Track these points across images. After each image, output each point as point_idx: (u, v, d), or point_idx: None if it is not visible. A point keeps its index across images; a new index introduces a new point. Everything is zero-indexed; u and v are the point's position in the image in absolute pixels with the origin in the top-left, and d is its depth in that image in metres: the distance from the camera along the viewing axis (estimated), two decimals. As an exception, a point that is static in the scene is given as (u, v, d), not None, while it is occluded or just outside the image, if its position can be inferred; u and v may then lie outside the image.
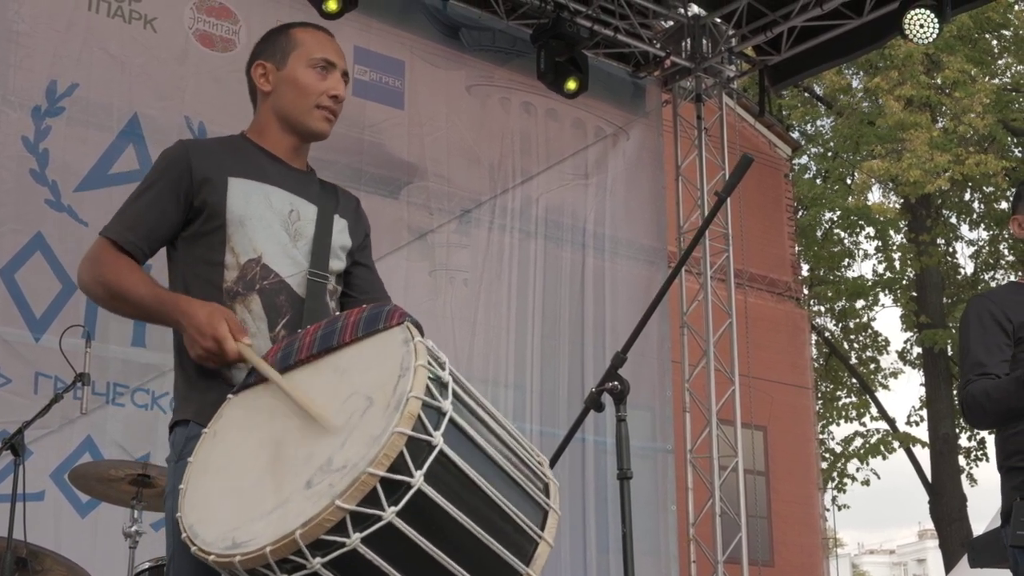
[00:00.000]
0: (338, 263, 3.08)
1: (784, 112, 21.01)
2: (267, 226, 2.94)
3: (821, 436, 21.54)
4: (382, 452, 2.17)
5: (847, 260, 22.22)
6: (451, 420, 2.31)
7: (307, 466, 2.28)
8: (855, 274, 22.23)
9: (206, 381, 2.81)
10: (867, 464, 21.78)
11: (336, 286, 3.08)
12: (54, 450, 6.62)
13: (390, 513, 2.18)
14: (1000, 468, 3.89)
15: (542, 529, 2.47)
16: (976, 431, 20.02)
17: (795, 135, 20.56)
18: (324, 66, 3.09)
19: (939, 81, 18.98)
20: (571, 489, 8.80)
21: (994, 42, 20.57)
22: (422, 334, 2.46)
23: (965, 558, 11.17)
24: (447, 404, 2.32)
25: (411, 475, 2.20)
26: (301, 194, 3.04)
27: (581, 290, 9.42)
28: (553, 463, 3.82)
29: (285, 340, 2.73)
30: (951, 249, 22.03)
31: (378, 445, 2.18)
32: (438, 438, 2.25)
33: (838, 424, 22.45)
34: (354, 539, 2.17)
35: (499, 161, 9.10)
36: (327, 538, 2.18)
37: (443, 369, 2.40)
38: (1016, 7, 19.87)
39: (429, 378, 2.31)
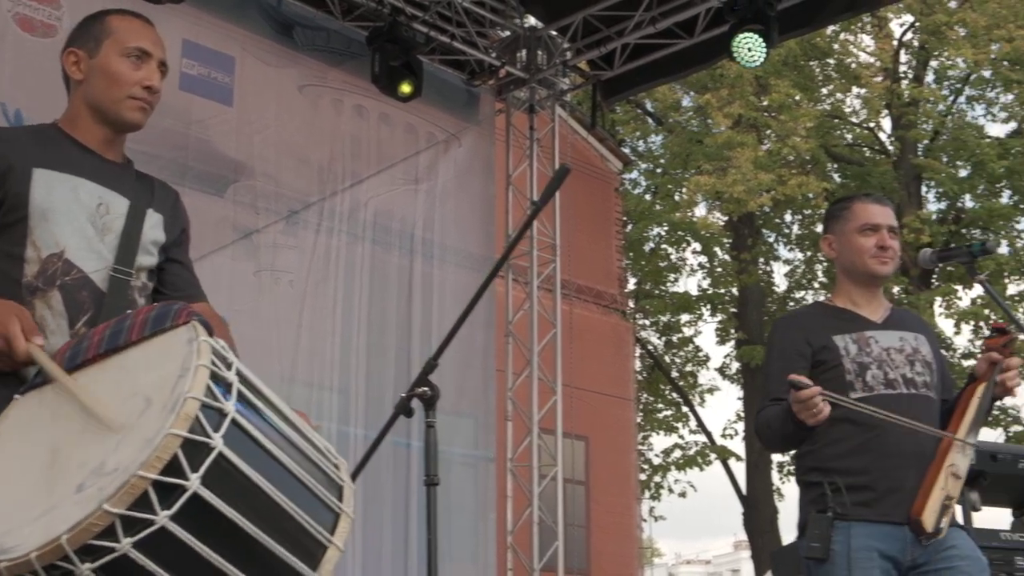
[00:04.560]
0: (148, 259, 3.00)
1: (617, 127, 21.37)
2: (72, 220, 2.86)
3: (641, 447, 21.95)
4: (154, 454, 2.11)
5: (673, 275, 22.73)
6: (234, 422, 2.26)
7: (80, 470, 2.21)
8: (680, 289, 22.77)
9: None
10: (685, 474, 22.31)
11: (147, 282, 3.01)
12: None
13: (163, 517, 2.12)
14: (799, 483, 4.03)
15: (332, 533, 2.43)
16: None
17: (626, 150, 20.93)
18: (139, 55, 3.02)
19: (766, 103, 19.57)
20: (395, 495, 8.75)
21: (818, 70, 21.31)
22: (210, 334, 2.41)
23: (773, 569, 11.48)
24: (230, 405, 2.27)
25: (186, 478, 2.14)
26: (112, 187, 2.97)
27: (409, 296, 9.36)
28: (359, 469, 3.82)
29: (75, 339, 2.65)
30: (769, 268, 22.75)
31: (150, 447, 2.12)
32: (217, 440, 2.20)
33: (658, 435, 22.93)
34: (124, 544, 2.11)
35: (329, 163, 8.99)
36: (96, 543, 2.10)
37: (229, 370, 2.35)
38: (841, 36, 20.62)
39: (212, 379, 2.26)
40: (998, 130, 43.83)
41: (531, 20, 10.08)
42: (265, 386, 2.51)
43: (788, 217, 22.21)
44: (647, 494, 22.50)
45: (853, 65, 20.96)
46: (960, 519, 3.97)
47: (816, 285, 22.33)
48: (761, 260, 22.02)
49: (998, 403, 4.15)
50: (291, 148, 8.75)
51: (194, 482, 2.15)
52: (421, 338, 9.27)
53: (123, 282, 2.90)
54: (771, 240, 22.54)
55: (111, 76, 3.00)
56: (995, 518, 6.67)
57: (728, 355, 22.57)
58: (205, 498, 2.17)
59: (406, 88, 8.89)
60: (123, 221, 2.95)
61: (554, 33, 9.93)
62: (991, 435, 19.61)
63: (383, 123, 9.41)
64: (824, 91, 21.32)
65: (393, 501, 8.73)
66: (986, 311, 18.65)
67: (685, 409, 22.99)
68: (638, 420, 20.87)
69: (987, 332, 4.17)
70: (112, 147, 3.05)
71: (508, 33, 10.07)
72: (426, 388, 3.46)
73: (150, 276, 3.03)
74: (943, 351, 19.09)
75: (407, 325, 9.27)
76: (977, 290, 17.86)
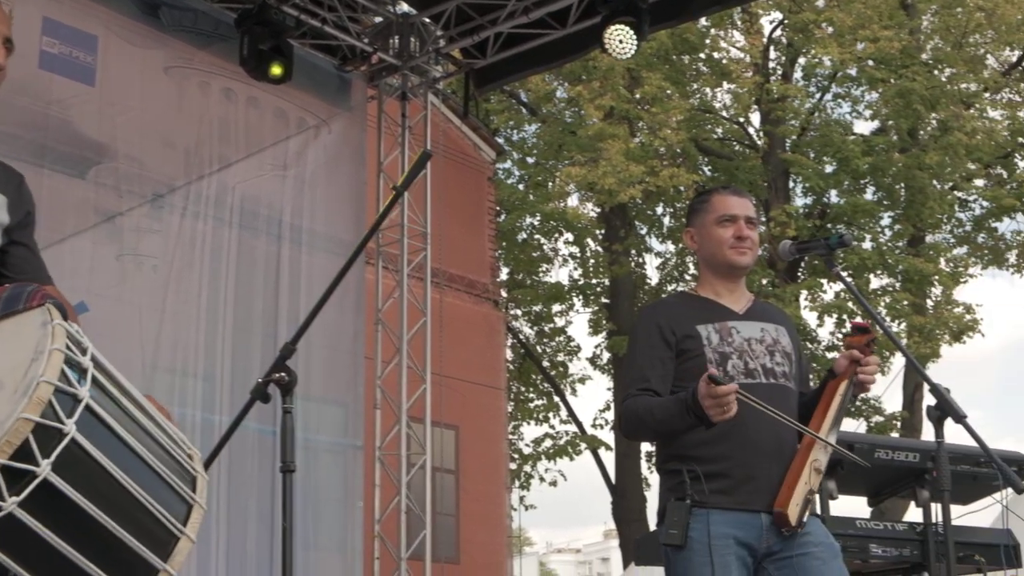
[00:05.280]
0: None
1: (491, 117, 21.39)
2: None
3: (512, 437, 22.05)
4: (4, 439, 2.06)
5: (545, 265, 22.85)
6: (87, 408, 2.21)
7: None
8: (553, 279, 22.89)
9: None
10: (556, 464, 22.46)
11: None
12: None
13: (11, 503, 2.07)
14: (659, 471, 4.07)
15: (184, 524, 2.40)
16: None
17: (500, 140, 20.98)
18: None
19: (638, 96, 19.76)
20: (260, 484, 8.63)
21: (689, 63, 21.60)
22: (65, 317, 2.34)
23: (639, 556, 11.63)
24: (84, 391, 2.21)
25: (37, 464, 2.10)
26: None
27: (276, 282, 9.23)
28: (215, 455, 3.76)
29: None
30: (641, 260, 23.00)
31: (0, 431, 2.07)
32: (70, 426, 2.15)
33: (529, 424, 23.04)
34: None
35: (196, 147, 8.80)
36: None
37: (84, 354, 2.29)
38: (712, 31, 20.93)
39: (66, 363, 2.20)
40: (863, 127, 44.91)
41: (404, 6, 10.02)
42: (119, 373, 2.46)
43: (660, 209, 22.48)
44: (517, 483, 22.60)
45: (724, 60, 21.30)
46: (817, 507, 4.04)
47: (688, 277, 22.63)
48: (633, 251, 22.26)
49: (861, 395, 4.23)
50: (156, 130, 8.55)
51: (44, 468, 2.11)
52: (288, 325, 9.14)
53: None
54: (643, 232, 22.78)
55: None
56: (851, 507, 6.83)
57: (599, 345, 22.77)
58: (55, 485, 2.12)
59: (276, 70, 8.71)
60: None
61: (427, 20, 9.88)
62: (852, 425, 20.13)
63: (252, 107, 9.26)
64: (695, 85, 21.62)
65: (259, 489, 8.61)
66: (849, 304, 19.13)
67: (556, 399, 23.14)
68: (509, 409, 20.96)
69: (848, 328, 4.27)
70: None
71: (380, 19, 9.99)
72: (283, 373, 3.42)
73: None
74: (807, 343, 19.36)
75: (274, 312, 9.14)
76: (842, 284, 18.27)
